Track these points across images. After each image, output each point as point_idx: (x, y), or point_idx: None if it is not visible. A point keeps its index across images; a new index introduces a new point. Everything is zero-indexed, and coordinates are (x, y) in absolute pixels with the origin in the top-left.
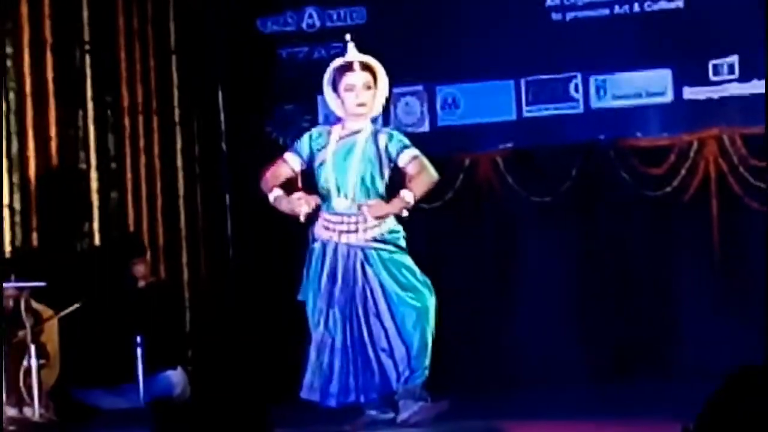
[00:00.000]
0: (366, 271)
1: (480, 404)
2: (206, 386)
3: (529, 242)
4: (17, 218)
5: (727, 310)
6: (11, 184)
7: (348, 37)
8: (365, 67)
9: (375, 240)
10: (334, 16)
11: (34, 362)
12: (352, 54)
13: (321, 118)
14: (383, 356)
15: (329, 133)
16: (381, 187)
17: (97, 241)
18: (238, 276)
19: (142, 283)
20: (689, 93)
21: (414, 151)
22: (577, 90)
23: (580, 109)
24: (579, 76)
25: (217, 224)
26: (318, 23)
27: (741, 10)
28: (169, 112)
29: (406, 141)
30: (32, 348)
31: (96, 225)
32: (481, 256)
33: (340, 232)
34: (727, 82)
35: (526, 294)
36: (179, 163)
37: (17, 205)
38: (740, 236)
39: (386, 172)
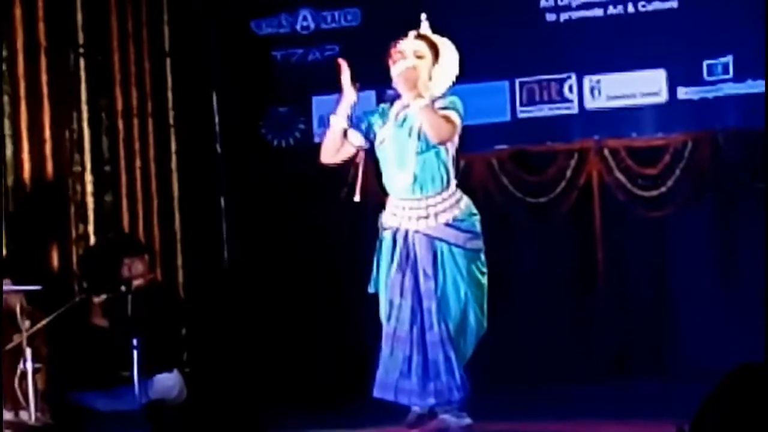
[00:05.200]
0: (434, 265)
1: (476, 404)
2: (203, 389)
3: (524, 243)
4: (12, 221)
5: (724, 311)
6: (6, 186)
7: (424, 16)
8: (422, 37)
9: (448, 225)
10: (329, 18)
11: (29, 366)
12: (422, 30)
13: (315, 120)
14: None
15: (388, 111)
16: (445, 155)
17: (92, 243)
18: (233, 278)
19: (140, 281)
20: (684, 93)
21: (452, 113)
22: (571, 90)
23: (575, 110)
24: (573, 76)
25: (213, 226)
26: (312, 25)
27: (735, 10)
28: (163, 115)
29: (458, 106)
30: (28, 352)
31: (91, 228)
32: None
33: (410, 218)
34: (722, 82)
35: (523, 295)
36: (174, 165)
37: (12, 208)
38: (740, 237)
39: None
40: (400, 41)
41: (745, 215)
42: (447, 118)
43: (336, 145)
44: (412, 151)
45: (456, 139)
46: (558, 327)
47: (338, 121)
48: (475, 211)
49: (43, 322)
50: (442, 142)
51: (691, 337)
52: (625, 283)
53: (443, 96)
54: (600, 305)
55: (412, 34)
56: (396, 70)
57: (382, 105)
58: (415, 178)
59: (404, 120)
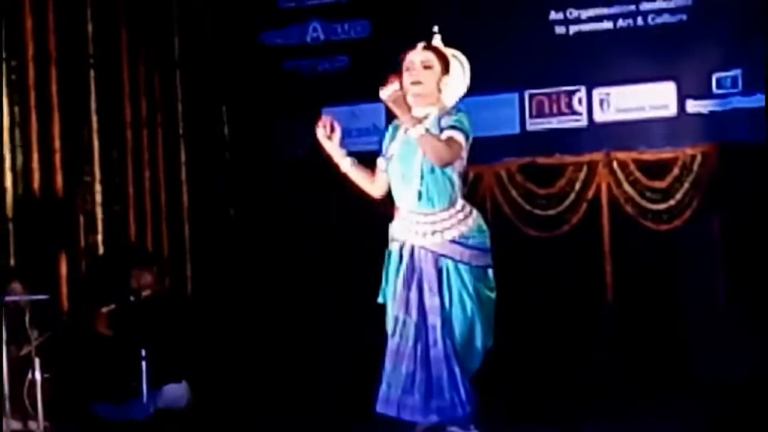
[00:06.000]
0: (438, 281)
1: (483, 418)
2: (210, 399)
3: (533, 257)
4: (21, 230)
5: (732, 324)
6: (16, 196)
7: (436, 29)
8: (431, 48)
9: (454, 242)
10: (338, 30)
11: (38, 375)
12: (434, 42)
13: None
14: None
15: (400, 125)
16: (451, 172)
17: (101, 253)
18: (242, 288)
19: (147, 292)
20: (693, 106)
21: (456, 134)
22: (580, 103)
23: (584, 123)
24: (583, 89)
25: (222, 237)
26: (322, 36)
27: (744, 24)
28: (173, 126)
29: (464, 124)
30: (37, 361)
31: (100, 238)
32: None
33: (416, 233)
34: (731, 95)
35: (531, 307)
36: (183, 176)
37: (22, 218)
38: (748, 250)
39: None
40: (409, 52)
41: (754, 228)
42: (450, 140)
43: (365, 181)
44: (418, 168)
45: (464, 154)
46: (566, 339)
47: (342, 164)
48: (484, 227)
49: (51, 332)
50: (446, 165)
51: (698, 351)
52: (634, 296)
53: (451, 112)
54: (608, 318)
55: (420, 45)
56: (383, 95)
57: (395, 121)
58: (421, 195)
59: (410, 137)
